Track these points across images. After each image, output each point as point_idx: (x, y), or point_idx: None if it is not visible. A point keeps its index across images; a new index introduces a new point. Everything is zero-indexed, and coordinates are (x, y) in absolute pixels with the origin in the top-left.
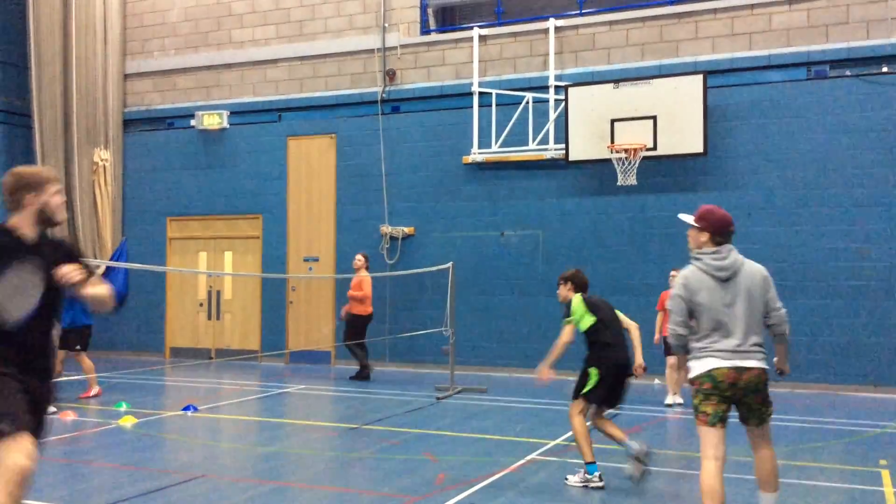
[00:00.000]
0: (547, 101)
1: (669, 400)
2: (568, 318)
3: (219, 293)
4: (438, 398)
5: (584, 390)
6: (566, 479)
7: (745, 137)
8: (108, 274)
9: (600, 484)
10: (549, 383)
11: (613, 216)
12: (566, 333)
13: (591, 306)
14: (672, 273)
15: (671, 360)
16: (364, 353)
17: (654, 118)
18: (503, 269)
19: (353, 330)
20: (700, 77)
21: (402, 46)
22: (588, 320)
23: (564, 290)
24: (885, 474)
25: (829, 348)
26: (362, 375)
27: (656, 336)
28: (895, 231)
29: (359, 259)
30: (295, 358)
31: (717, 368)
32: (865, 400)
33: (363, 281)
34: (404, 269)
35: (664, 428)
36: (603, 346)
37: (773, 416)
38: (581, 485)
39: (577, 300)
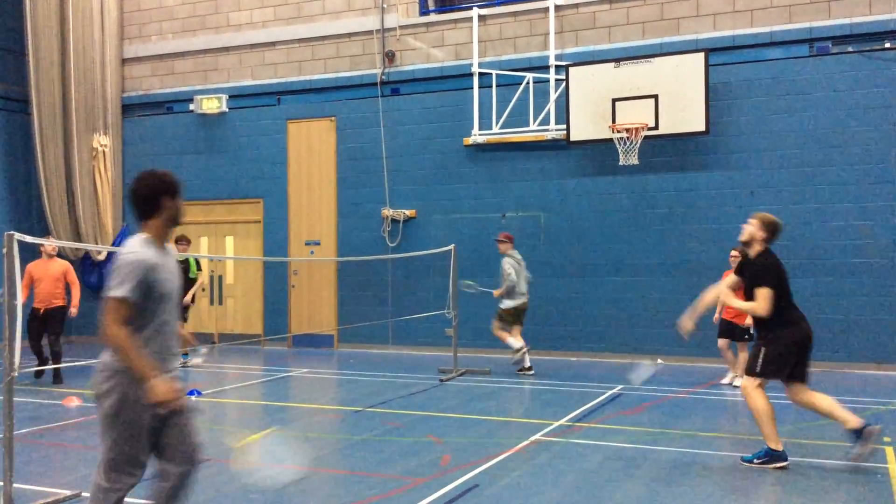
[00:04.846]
0: (547, 81)
1: (733, 380)
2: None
3: (220, 278)
4: (442, 380)
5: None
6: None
7: (747, 115)
8: (110, 260)
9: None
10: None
11: (615, 196)
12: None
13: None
14: (733, 253)
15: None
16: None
17: (656, 97)
18: None
19: (62, 324)
20: (701, 55)
21: (401, 27)
22: (199, 274)
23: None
24: (889, 451)
25: (832, 326)
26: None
27: (716, 316)
28: None
29: (53, 245)
30: (298, 342)
31: None
32: (869, 377)
33: (70, 270)
34: (406, 252)
35: (666, 407)
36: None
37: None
38: (200, 360)
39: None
